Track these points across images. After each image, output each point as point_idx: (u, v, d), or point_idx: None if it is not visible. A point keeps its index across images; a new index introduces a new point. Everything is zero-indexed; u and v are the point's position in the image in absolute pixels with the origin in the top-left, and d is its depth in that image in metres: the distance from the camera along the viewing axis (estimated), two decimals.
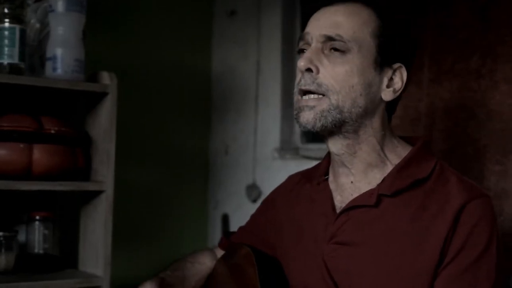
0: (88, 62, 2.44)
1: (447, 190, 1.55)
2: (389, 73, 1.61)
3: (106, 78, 2.43)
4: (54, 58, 2.35)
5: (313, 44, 1.60)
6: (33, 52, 2.44)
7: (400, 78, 1.62)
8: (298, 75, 1.62)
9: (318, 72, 1.57)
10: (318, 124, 1.57)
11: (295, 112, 1.62)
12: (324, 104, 1.56)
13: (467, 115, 2.19)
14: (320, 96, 1.57)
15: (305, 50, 1.63)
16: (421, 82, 2.30)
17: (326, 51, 1.59)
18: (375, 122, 1.62)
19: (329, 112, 1.56)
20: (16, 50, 2.27)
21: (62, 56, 2.35)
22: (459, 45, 2.23)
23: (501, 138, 2.10)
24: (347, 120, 1.57)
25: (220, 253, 1.98)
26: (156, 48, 3.13)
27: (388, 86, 1.61)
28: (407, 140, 1.69)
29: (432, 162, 1.61)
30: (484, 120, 2.15)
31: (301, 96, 1.60)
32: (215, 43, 3.34)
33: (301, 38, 1.64)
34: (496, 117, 2.12)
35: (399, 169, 1.60)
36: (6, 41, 2.27)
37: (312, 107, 1.57)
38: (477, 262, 1.49)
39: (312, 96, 1.58)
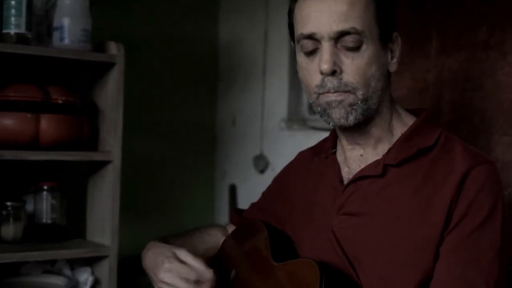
0: (95, 32, 2.44)
1: (452, 158, 1.55)
2: (389, 45, 1.62)
3: (113, 48, 2.43)
4: (61, 28, 2.35)
5: (327, 43, 1.54)
6: (40, 22, 2.44)
7: (397, 45, 1.63)
8: (315, 77, 1.57)
9: (341, 72, 1.54)
10: (351, 118, 1.56)
11: (319, 109, 1.59)
12: (350, 98, 1.55)
13: (475, 86, 2.18)
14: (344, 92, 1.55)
15: (313, 52, 1.58)
16: (429, 53, 2.29)
17: (339, 45, 1.54)
18: (387, 95, 1.63)
19: (357, 105, 1.55)
20: (23, 19, 2.27)
21: (69, 26, 2.35)
22: (468, 16, 2.21)
23: (509, 109, 2.10)
24: (372, 106, 1.58)
25: (231, 228, 1.98)
26: (163, 19, 3.12)
27: (391, 58, 1.62)
28: (410, 111, 1.70)
29: (436, 132, 1.61)
30: (492, 91, 2.14)
31: (322, 94, 1.57)
32: (223, 13, 3.32)
33: (307, 37, 1.57)
34: (504, 88, 2.11)
35: (404, 139, 1.61)
36: (13, 11, 2.26)
37: (340, 102, 1.55)
38: (481, 228, 1.49)
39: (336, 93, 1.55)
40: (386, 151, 1.62)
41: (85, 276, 2.48)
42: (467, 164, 1.53)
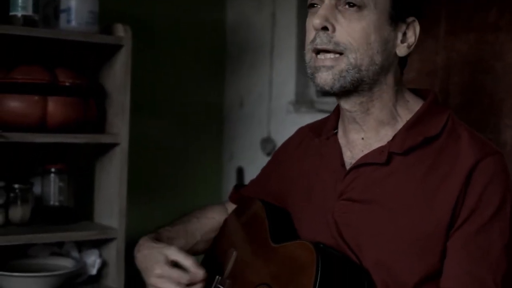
0: (102, 14, 2.43)
1: (459, 148, 1.53)
2: (403, 28, 1.58)
3: (121, 30, 2.42)
4: (68, 10, 2.35)
5: (327, 0, 1.54)
6: (47, 4, 2.43)
7: (413, 32, 1.59)
8: (311, 33, 1.56)
9: (334, 30, 1.52)
10: (337, 85, 1.53)
11: (309, 71, 1.57)
12: (342, 64, 1.52)
13: (484, 69, 2.17)
14: (337, 55, 1.53)
15: (315, 5, 1.57)
16: (438, 35, 2.27)
17: (340, 7, 1.53)
18: (389, 78, 1.59)
19: (347, 72, 1.52)
20: (30, 1, 2.26)
21: (76, 8, 2.34)
22: None
23: None
24: (364, 79, 1.54)
25: (231, 206, 1.98)
26: (170, 0, 3.11)
27: (402, 42, 1.58)
28: (416, 92, 1.67)
29: (443, 117, 1.58)
30: (501, 73, 2.13)
31: (316, 55, 1.56)
32: None
33: None
34: None
35: (410, 126, 1.57)
36: None
37: (330, 67, 1.53)
38: (491, 222, 1.48)
39: (328, 55, 1.53)
40: (389, 137, 1.59)
41: (92, 258, 2.49)
42: (475, 156, 1.50)
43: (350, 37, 1.52)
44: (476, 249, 1.47)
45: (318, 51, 1.55)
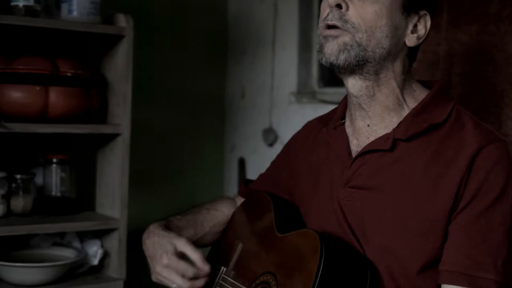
0: (104, 4, 2.43)
1: (463, 136, 1.54)
2: (414, 19, 1.61)
3: (122, 20, 2.42)
4: (69, 0, 2.34)
5: None
6: None
7: (424, 25, 1.62)
8: (326, 11, 1.59)
9: (347, 9, 1.55)
10: (342, 57, 1.55)
11: (318, 46, 1.61)
12: (346, 37, 1.55)
13: (485, 59, 2.16)
14: (344, 30, 1.56)
15: None
16: (440, 25, 2.27)
17: None
18: (397, 66, 1.61)
19: (352, 47, 1.54)
20: None
21: None
22: None
23: None
24: (370, 60, 1.56)
25: (240, 200, 1.99)
26: None
27: (412, 32, 1.61)
28: (424, 83, 1.68)
29: (448, 107, 1.60)
30: (503, 64, 2.12)
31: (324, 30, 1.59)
32: None
33: None
34: None
35: (415, 114, 1.59)
36: None
37: (335, 37, 1.55)
38: (492, 207, 1.49)
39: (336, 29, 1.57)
40: (395, 124, 1.61)
41: (94, 249, 2.49)
42: (478, 143, 1.52)
43: (361, 18, 1.55)
44: (476, 233, 1.48)
45: (328, 27, 1.57)
